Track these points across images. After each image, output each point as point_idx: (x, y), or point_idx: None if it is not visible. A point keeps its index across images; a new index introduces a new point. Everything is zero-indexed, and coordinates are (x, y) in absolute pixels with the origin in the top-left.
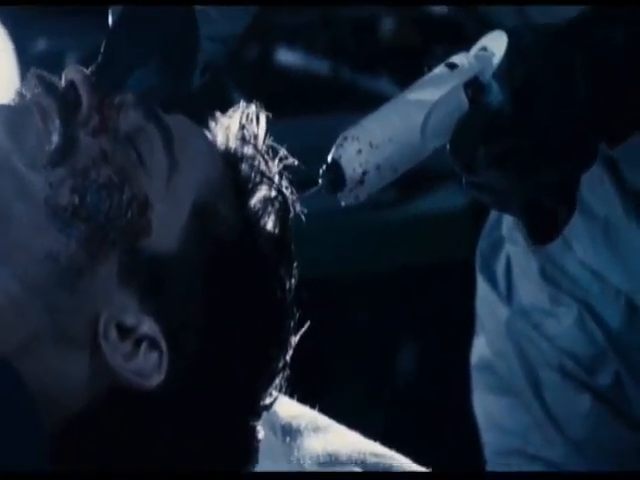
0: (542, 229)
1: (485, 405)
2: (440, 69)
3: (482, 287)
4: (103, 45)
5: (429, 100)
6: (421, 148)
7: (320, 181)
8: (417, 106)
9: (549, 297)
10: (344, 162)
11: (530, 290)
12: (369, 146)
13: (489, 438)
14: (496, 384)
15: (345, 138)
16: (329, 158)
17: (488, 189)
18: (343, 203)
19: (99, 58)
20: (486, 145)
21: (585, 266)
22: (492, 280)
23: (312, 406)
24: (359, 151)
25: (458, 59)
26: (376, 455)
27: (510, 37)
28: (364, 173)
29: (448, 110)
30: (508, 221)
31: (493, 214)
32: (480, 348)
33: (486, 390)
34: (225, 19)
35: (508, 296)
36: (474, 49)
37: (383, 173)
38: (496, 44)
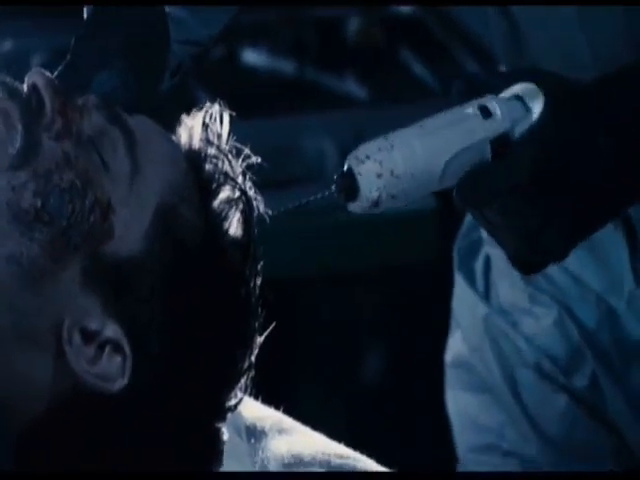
0: (531, 264)
1: (459, 403)
2: (473, 111)
3: (459, 284)
4: (71, 46)
5: (456, 146)
6: (436, 186)
7: (333, 187)
8: (443, 148)
9: (529, 297)
10: (362, 181)
11: (510, 290)
12: (390, 174)
13: (462, 436)
14: (471, 381)
15: (368, 157)
16: (345, 168)
17: (485, 223)
18: (350, 210)
19: (67, 59)
20: (499, 202)
21: (566, 271)
22: (470, 278)
23: (277, 407)
24: (379, 175)
25: (492, 106)
26: (341, 456)
27: (546, 100)
28: (379, 197)
29: (470, 158)
30: None
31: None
32: (455, 345)
33: (460, 388)
34: (199, 22)
35: (486, 295)
36: (508, 93)
37: (397, 201)
38: (530, 99)
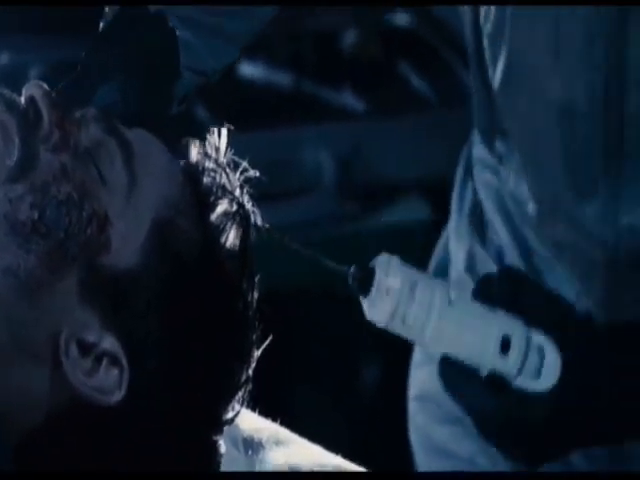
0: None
1: (426, 434)
2: (496, 333)
3: None
4: (81, 58)
5: (463, 350)
6: (433, 352)
7: (350, 272)
8: (451, 341)
9: None
10: (373, 310)
11: None
12: (401, 322)
13: (429, 464)
14: (441, 414)
15: (387, 292)
16: (370, 269)
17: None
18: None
19: (75, 71)
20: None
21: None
22: None
23: (274, 419)
24: (392, 316)
25: (513, 346)
26: (338, 468)
27: (562, 366)
28: (383, 326)
29: (467, 367)
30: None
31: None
32: (423, 379)
33: (429, 420)
34: (207, 52)
35: None
36: (535, 342)
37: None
38: (547, 362)
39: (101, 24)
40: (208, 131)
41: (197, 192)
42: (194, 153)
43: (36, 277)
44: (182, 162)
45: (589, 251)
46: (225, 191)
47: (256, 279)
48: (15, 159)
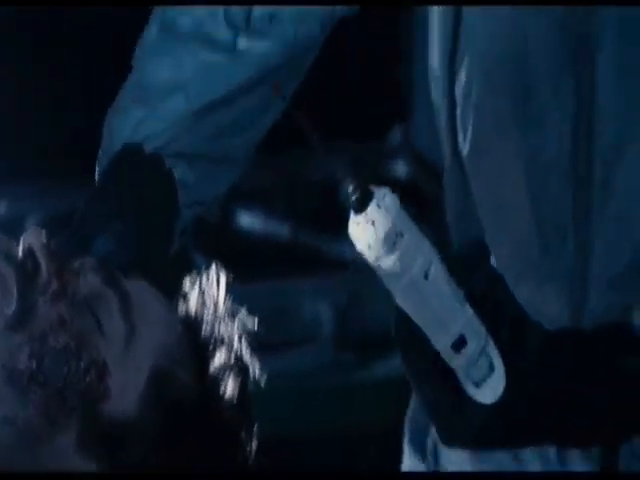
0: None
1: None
2: (455, 330)
3: (410, 457)
4: (80, 208)
5: (422, 322)
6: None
7: (350, 189)
8: (413, 303)
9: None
10: (353, 231)
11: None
12: (375, 261)
13: None
14: None
15: (373, 223)
16: (369, 195)
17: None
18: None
19: (74, 220)
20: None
21: None
22: (421, 452)
23: None
24: (368, 248)
25: (466, 351)
26: None
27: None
28: (359, 250)
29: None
30: None
31: None
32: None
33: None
34: (206, 184)
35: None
36: (488, 352)
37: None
38: (492, 379)
39: (97, 172)
40: (207, 280)
41: (195, 342)
42: (193, 303)
43: (34, 427)
44: (181, 312)
45: (557, 312)
46: (223, 342)
47: (255, 428)
48: (13, 310)
